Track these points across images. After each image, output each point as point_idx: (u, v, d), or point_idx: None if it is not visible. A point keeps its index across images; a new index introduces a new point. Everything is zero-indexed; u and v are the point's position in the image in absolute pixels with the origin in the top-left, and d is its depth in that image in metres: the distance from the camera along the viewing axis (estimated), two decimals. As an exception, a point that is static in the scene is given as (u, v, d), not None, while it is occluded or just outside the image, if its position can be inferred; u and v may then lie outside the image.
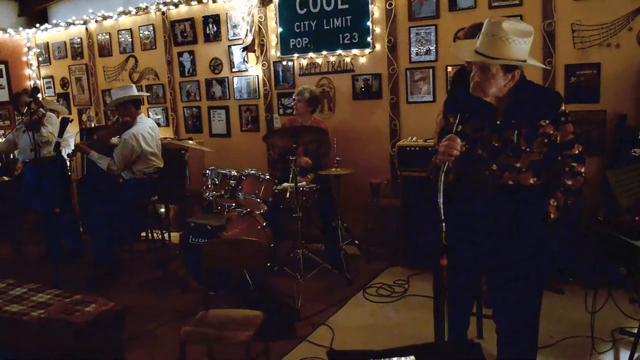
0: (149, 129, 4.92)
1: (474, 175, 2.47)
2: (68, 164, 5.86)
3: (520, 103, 2.37)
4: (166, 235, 5.21)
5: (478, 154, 2.43)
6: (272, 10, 5.55)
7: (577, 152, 2.39)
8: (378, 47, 5.05)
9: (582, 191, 2.45)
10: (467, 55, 2.36)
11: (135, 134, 4.77)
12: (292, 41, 5.46)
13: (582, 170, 2.41)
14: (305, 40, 5.38)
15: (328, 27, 5.23)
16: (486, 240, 2.50)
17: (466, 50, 2.40)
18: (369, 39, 5.05)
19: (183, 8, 6.18)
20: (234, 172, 4.58)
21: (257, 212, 4.60)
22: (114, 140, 5.08)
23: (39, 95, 6.40)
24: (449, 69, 4.69)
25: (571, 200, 2.42)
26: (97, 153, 4.85)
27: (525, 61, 2.29)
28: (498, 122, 2.39)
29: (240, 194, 4.48)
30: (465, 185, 2.52)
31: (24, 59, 7.79)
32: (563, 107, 2.38)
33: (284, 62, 5.61)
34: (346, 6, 5.10)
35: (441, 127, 2.63)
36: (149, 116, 6.53)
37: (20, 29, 7.60)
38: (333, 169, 4.62)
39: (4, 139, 5.43)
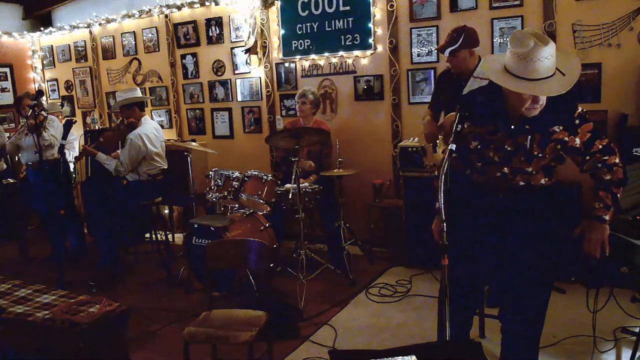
0: (153, 129, 4.95)
1: (484, 176, 2.48)
2: (72, 166, 5.90)
3: None
4: (170, 236, 5.23)
5: (489, 156, 2.44)
6: (274, 13, 5.58)
7: (600, 146, 2.33)
8: (380, 48, 5.07)
9: (627, 180, 2.37)
10: (556, 90, 2.16)
11: (140, 134, 4.80)
12: (294, 43, 5.48)
13: (617, 160, 2.33)
14: (307, 42, 5.40)
15: (330, 29, 5.25)
16: (495, 240, 2.50)
17: (511, 80, 2.21)
18: (370, 40, 5.07)
19: (186, 11, 6.22)
20: (237, 174, 4.60)
21: (260, 213, 4.63)
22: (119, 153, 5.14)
23: (43, 98, 6.43)
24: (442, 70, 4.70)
25: (617, 191, 2.35)
26: (104, 155, 4.88)
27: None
28: (512, 127, 2.37)
29: (243, 195, 4.51)
30: (475, 186, 2.53)
31: (29, 62, 7.84)
32: (579, 110, 2.33)
33: (286, 64, 5.63)
34: (348, 8, 5.12)
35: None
36: (152, 118, 6.56)
37: (25, 32, 7.66)
38: (335, 170, 4.64)
39: (8, 142, 5.47)
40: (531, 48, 2.12)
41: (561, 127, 2.32)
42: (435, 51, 4.79)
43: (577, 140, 2.32)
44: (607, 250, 2.39)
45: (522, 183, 2.41)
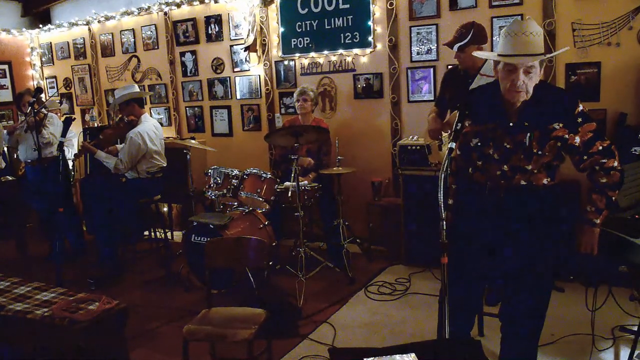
0: (153, 127, 4.94)
1: (485, 175, 2.48)
2: (71, 164, 5.89)
3: (533, 105, 2.32)
4: (169, 234, 5.23)
5: (489, 154, 2.44)
6: (273, 10, 5.57)
7: (600, 148, 2.31)
8: (379, 46, 5.07)
9: (623, 183, 2.36)
10: (527, 60, 2.23)
11: (141, 132, 4.79)
12: (294, 41, 5.48)
13: (615, 164, 2.32)
14: (307, 39, 5.40)
15: (329, 27, 5.25)
16: (496, 239, 2.50)
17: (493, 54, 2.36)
18: (370, 38, 5.07)
19: (185, 8, 6.21)
20: (236, 171, 4.60)
21: (259, 211, 4.63)
22: (119, 147, 5.11)
23: (42, 95, 6.42)
24: (449, 67, 4.70)
25: (612, 195, 2.34)
26: (103, 152, 4.87)
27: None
28: (511, 124, 2.37)
29: (242, 193, 4.51)
30: (477, 185, 2.53)
31: (27, 59, 7.82)
32: (580, 108, 2.31)
33: (286, 62, 5.63)
34: (347, 6, 5.11)
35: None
36: (151, 116, 6.55)
37: (24, 29, 7.64)
38: (334, 168, 4.64)
39: (8, 137, 5.46)
40: (514, 22, 2.27)
41: (561, 125, 2.31)
42: (435, 49, 4.79)
43: (577, 139, 2.31)
44: (594, 251, 2.43)
45: (523, 182, 2.39)
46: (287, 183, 4.54)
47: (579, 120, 2.31)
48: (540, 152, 2.34)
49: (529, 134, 2.33)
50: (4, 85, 7.53)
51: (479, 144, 2.46)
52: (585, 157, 2.34)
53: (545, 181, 2.39)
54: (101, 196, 5.00)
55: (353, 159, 5.08)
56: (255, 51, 5.75)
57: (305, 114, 4.94)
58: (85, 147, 4.99)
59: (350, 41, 5.17)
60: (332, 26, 5.23)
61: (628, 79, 4.06)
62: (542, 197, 2.42)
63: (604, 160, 2.32)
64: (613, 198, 2.36)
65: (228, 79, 6.09)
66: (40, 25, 7.54)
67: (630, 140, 3.82)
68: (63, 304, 2.69)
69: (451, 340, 2.29)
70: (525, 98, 2.30)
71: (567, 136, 2.32)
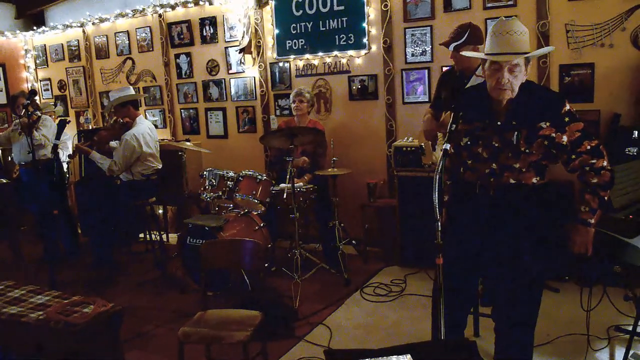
0: (148, 130, 4.92)
1: (475, 174, 2.49)
2: (66, 166, 5.87)
3: (521, 104, 2.35)
4: (164, 236, 5.22)
5: (478, 153, 2.45)
6: (268, 12, 5.57)
7: (589, 147, 2.32)
8: (374, 48, 5.08)
9: (614, 183, 2.38)
10: (510, 58, 2.26)
11: (135, 134, 4.77)
12: (289, 42, 5.48)
13: (605, 164, 2.34)
14: (302, 41, 5.40)
15: (324, 29, 5.25)
16: (488, 239, 2.51)
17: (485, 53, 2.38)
18: (364, 40, 5.08)
19: (180, 10, 6.20)
20: (231, 173, 4.60)
21: (255, 213, 4.62)
22: (113, 144, 5.10)
23: (37, 97, 6.39)
24: (445, 69, 4.71)
25: (604, 194, 2.36)
26: (98, 154, 4.85)
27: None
28: (499, 123, 2.39)
29: (237, 194, 4.50)
30: (467, 184, 2.54)
31: (22, 61, 7.80)
32: (567, 108, 2.33)
33: (281, 64, 5.63)
34: (342, 7, 5.12)
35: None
36: (146, 118, 6.54)
37: (18, 31, 7.61)
38: (330, 170, 4.64)
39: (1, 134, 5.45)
40: (499, 21, 2.33)
41: (548, 124, 2.33)
42: (429, 51, 4.80)
43: (565, 138, 2.34)
44: (589, 251, 2.44)
45: (512, 181, 2.41)
46: (282, 185, 4.54)
47: (566, 119, 2.33)
48: (527, 151, 2.36)
49: (516, 133, 2.36)
50: (-2, 87, 7.51)
51: (469, 142, 2.48)
52: (573, 157, 2.36)
53: (534, 180, 2.41)
54: (96, 198, 4.99)
55: (348, 161, 5.08)
56: (250, 53, 5.75)
57: (302, 115, 4.94)
58: (79, 149, 4.97)
59: (344, 43, 5.18)
60: (327, 28, 5.23)
61: (621, 80, 4.08)
62: (533, 196, 2.43)
63: (593, 161, 2.34)
64: (605, 198, 2.37)
65: (223, 80, 6.08)
66: (35, 27, 7.52)
67: (624, 141, 3.84)
68: (58, 307, 2.68)
69: (447, 341, 2.30)
70: (510, 96, 2.34)
71: (554, 135, 2.34)
